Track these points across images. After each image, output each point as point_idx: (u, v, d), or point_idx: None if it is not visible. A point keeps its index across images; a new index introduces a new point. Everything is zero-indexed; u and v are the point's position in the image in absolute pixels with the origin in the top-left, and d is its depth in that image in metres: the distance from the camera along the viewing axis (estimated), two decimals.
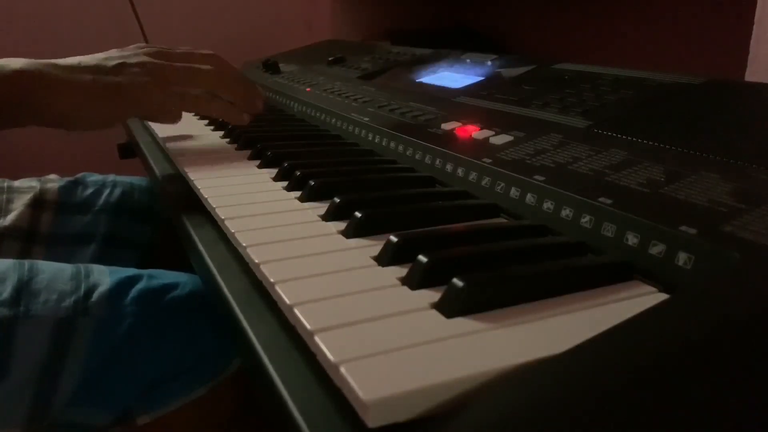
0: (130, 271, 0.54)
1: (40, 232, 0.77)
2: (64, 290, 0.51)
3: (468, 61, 0.79)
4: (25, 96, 0.59)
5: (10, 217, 0.75)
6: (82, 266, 0.54)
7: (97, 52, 0.66)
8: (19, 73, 0.58)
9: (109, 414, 0.50)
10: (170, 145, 0.67)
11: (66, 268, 0.53)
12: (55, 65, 0.60)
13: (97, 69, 0.62)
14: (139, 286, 0.53)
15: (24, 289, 0.49)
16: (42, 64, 0.60)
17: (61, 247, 0.77)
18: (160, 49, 0.68)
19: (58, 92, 0.59)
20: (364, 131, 0.64)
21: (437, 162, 0.51)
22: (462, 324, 0.27)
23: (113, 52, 0.66)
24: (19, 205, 0.77)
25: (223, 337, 0.54)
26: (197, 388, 0.52)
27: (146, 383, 0.51)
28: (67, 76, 0.60)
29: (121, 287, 0.52)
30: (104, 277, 0.53)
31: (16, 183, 0.80)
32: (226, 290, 0.36)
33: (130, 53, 0.66)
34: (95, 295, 0.51)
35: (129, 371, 0.50)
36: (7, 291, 0.49)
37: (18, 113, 0.59)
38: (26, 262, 0.53)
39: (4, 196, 0.78)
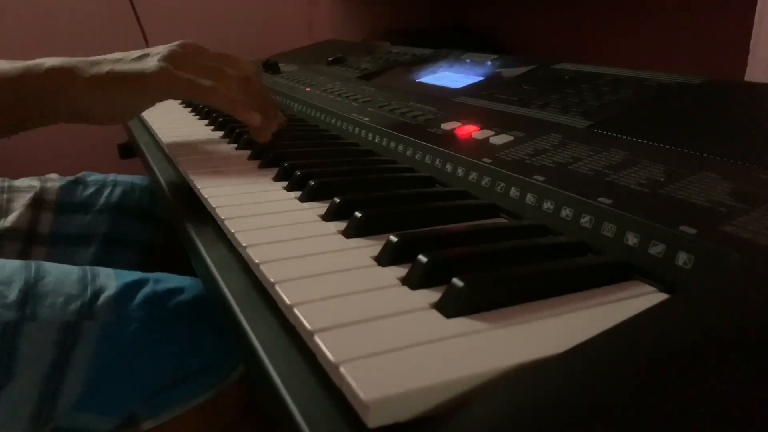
0: (136, 275, 0.54)
1: (40, 233, 0.77)
2: (71, 293, 0.50)
3: (468, 61, 0.79)
4: (55, 92, 0.58)
5: (10, 218, 0.75)
6: (89, 268, 0.54)
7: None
8: (52, 70, 0.57)
9: (113, 419, 0.49)
10: (170, 145, 0.67)
11: (73, 271, 0.53)
12: (84, 60, 0.59)
13: (119, 60, 0.60)
14: (146, 290, 0.53)
15: (30, 292, 0.49)
16: (74, 60, 0.59)
17: (61, 248, 0.77)
18: (198, 46, 0.65)
19: (82, 85, 0.58)
20: (364, 131, 0.64)
21: (437, 162, 0.51)
22: (462, 324, 0.27)
23: (150, 49, 0.64)
24: (19, 205, 0.77)
25: (227, 342, 0.54)
26: (202, 393, 0.52)
27: (151, 388, 0.50)
28: (90, 69, 0.58)
29: (128, 291, 0.52)
30: (111, 280, 0.53)
31: (17, 182, 0.80)
32: (226, 290, 0.36)
33: (162, 47, 0.63)
34: (101, 299, 0.51)
35: (134, 376, 0.50)
36: (14, 293, 0.49)
37: (47, 110, 0.58)
38: (33, 264, 0.53)
39: (5, 196, 0.78)
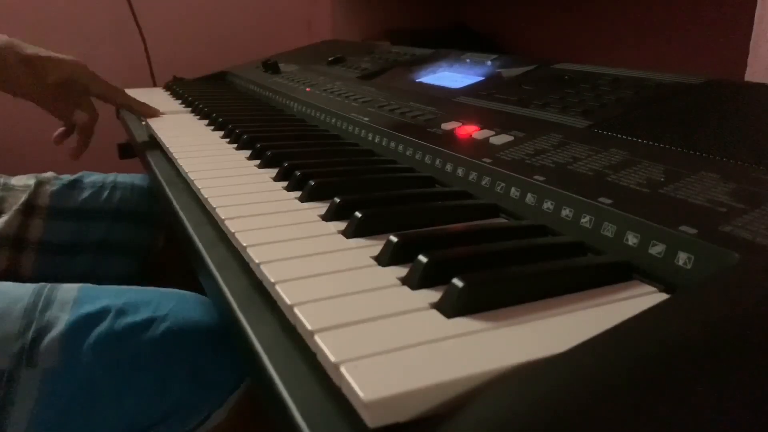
0: (99, 304, 0.48)
1: (30, 240, 0.74)
2: (10, 332, 0.44)
3: (468, 61, 0.79)
4: None
5: None
6: (46, 290, 0.49)
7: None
8: None
9: None
10: (170, 145, 0.67)
11: (24, 297, 0.48)
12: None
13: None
14: (101, 328, 0.46)
15: None
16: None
17: (51, 255, 0.75)
18: None
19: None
20: (364, 131, 0.64)
21: (437, 162, 0.51)
22: (462, 324, 0.27)
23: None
24: (11, 206, 0.74)
25: (201, 385, 0.48)
26: None
27: None
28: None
29: (79, 329, 0.46)
30: (64, 312, 0.47)
31: (13, 180, 0.78)
32: (226, 290, 0.36)
33: None
34: (45, 341, 0.44)
35: (87, 429, 0.45)
36: None
37: None
38: None
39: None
